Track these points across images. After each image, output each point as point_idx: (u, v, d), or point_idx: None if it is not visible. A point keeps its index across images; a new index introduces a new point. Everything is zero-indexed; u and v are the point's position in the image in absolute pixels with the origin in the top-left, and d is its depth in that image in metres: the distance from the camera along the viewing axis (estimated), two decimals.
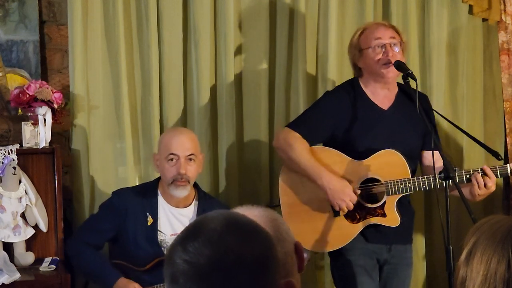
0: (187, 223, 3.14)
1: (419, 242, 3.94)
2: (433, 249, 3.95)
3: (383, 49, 3.19)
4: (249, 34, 3.73)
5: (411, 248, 3.42)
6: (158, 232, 3.20)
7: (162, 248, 3.19)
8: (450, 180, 2.93)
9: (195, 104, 3.66)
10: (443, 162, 3.00)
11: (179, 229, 3.18)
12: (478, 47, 4.05)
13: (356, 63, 3.30)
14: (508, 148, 4.06)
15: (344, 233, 3.22)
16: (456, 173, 3.07)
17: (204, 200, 3.27)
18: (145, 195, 3.23)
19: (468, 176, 3.16)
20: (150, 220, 3.18)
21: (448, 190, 2.93)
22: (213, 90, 3.68)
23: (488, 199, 4.06)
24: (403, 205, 3.28)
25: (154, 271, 3.13)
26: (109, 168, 3.59)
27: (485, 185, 3.13)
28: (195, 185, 3.28)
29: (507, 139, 4.06)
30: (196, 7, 3.61)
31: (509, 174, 3.17)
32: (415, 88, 3.13)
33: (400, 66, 3.23)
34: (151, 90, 3.57)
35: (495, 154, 3.36)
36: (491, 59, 4.08)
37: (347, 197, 3.15)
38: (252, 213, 1.49)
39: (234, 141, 3.70)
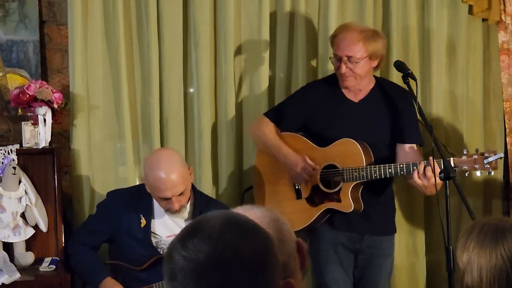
0: (182, 224, 3.14)
1: (419, 242, 3.94)
2: (433, 249, 3.96)
3: (339, 63, 3.29)
4: (249, 34, 3.73)
5: (389, 239, 3.49)
6: (152, 234, 3.17)
7: (159, 250, 3.17)
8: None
9: (195, 104, 3.67)
10: (443, 162, 3.00)
11: (176, 230, 3.15)
12: (478, 47, 4.05)
13: None
14: (508, 148, 4.05)
15: (305, 215, 3.36)
16: (404, 165, 3.18)
17: (201, 201, 3.21)
18: (140, 196, 3.19)
19: (414, 167, 3.17)
20: (143, 221, 3.16)
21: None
22: (213, 90, 3.68)
23: (488, 199, 4.07)
24: (376, 197, 3.37)
25: (151, 270, 3.12)
26: (109, 168, 3.59)
27: (424, 174, 3.13)
28: (192, 187, 3.22)
29: (507, 139, 4.06)
30: (196, 7, 3.61)
31: (452, 166, 3.11)
32: (415, 88, 3.14)
33: (400, 66, 3.25)
34: (151, 90, 3.57)
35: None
36: (491, 59, 4.09)
37: (299, 168, 3.29)
38: (254, 213, 1.48)
39: (234, 141, 3.69)
